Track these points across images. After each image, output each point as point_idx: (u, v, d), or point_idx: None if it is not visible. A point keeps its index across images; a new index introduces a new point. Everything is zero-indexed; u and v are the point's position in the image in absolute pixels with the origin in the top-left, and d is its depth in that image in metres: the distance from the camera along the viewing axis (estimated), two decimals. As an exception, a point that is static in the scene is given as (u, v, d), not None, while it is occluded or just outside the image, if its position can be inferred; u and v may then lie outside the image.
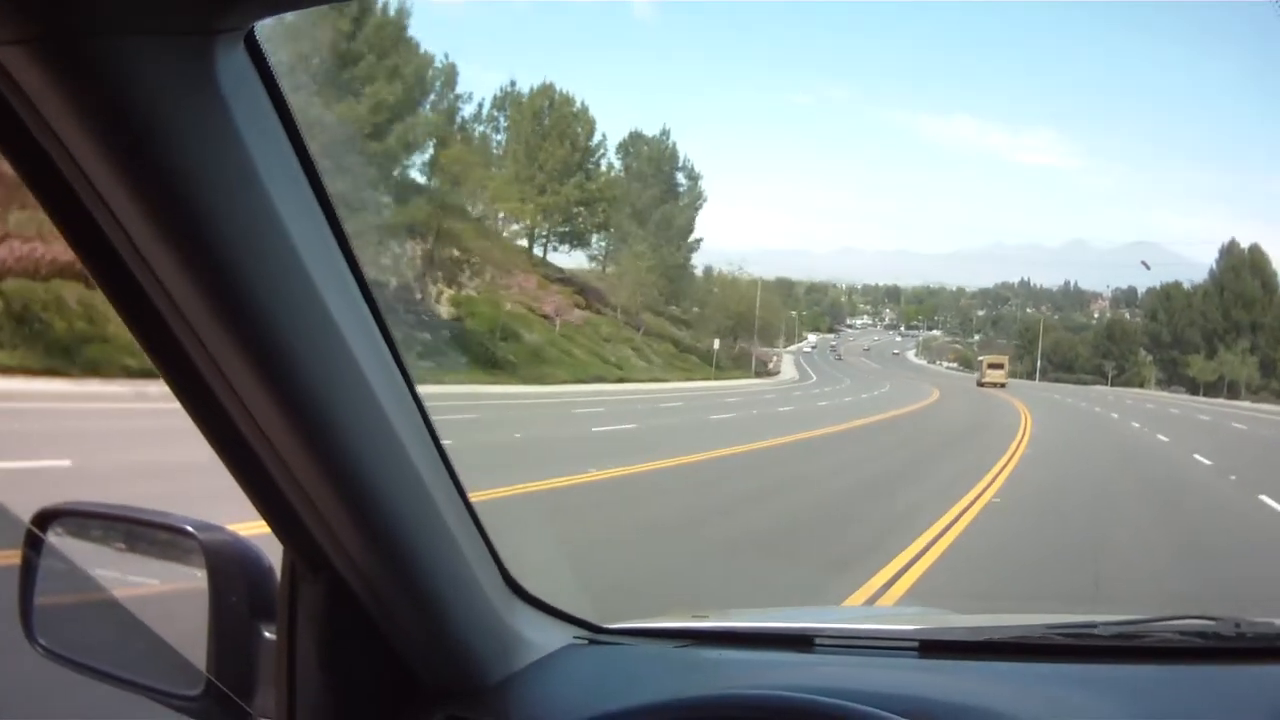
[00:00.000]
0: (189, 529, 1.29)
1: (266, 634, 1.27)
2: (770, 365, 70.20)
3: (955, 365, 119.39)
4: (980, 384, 66.10)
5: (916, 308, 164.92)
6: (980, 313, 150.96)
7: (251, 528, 1.26)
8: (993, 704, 1.26)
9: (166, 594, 1.39)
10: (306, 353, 0.99)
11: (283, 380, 0.99)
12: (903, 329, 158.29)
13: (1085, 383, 77.59)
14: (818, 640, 1.50)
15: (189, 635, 1.30)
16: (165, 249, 0.89)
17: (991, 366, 72.51)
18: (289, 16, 0.89)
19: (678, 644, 1.53)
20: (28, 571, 1.42)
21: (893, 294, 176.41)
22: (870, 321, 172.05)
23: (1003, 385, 64.60)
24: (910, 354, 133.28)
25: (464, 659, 1.29)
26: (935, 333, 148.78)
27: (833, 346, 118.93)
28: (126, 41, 0.79)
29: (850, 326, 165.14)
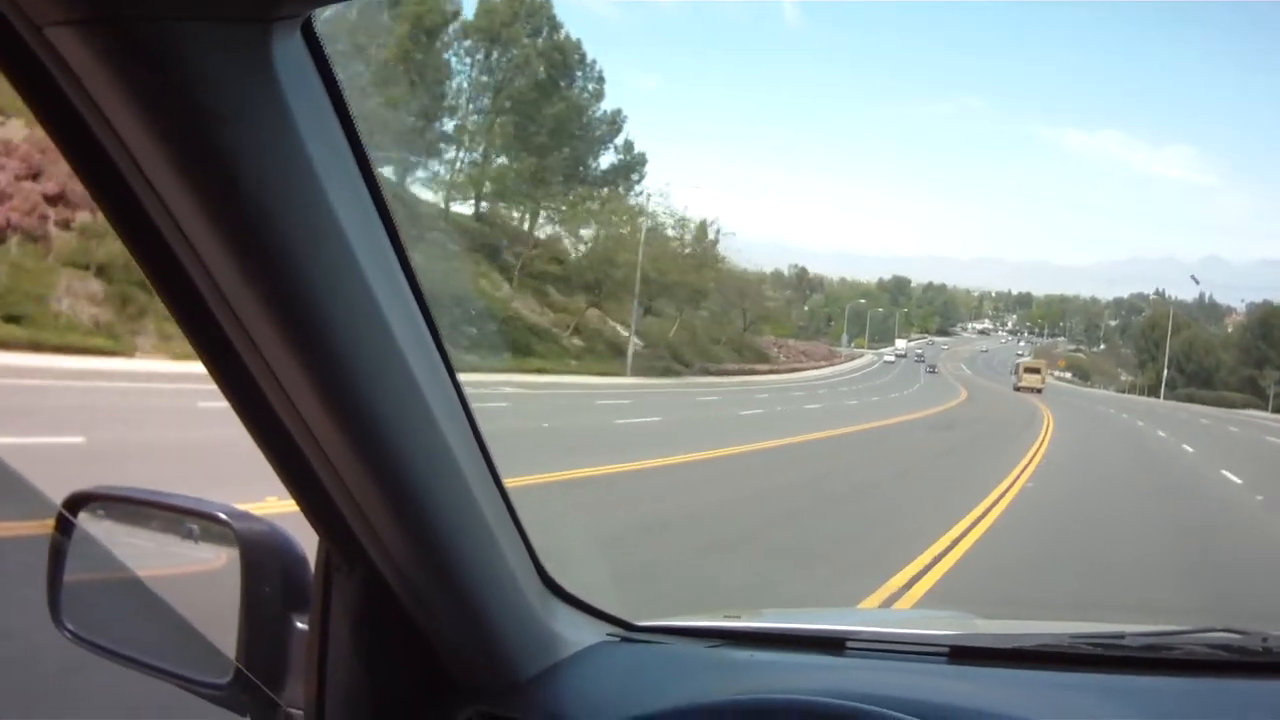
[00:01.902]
0: (223, 516, 1.29)
1: (299, 624, 1.27)
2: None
3: (1069, 375, 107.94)
4: (1017, 388, 65.24)
5: (1043, 312, 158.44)
6: (1112, 323, 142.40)
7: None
8: (1020, 713, 1.26)
9: (197, 581, 1.39)
10: (351, 341, 0.98)
11: (326, 369, 0.98)
12: (1026, 335, 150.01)
13: (1231, 404, 61.68)
14: (849, 643, 1.49)
15: (219, 623, 1.30)
16: (212, 234, 0.89)
17: (1028, 370, 71.45)
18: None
19: (710, 643, 1.53)
20: (57, 555, 1.41)
21: (1025, 300, 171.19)
22: (992, 326, 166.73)
23: (1039, 390, 64.05)
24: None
25: (497, 655, 1.28)
26: (1059, 339, 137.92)
27: (919, 355, 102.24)
28: (181, 26, 0.78)
29: (965, 330, 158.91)
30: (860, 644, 1.49)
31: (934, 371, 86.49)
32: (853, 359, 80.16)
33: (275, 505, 1.35)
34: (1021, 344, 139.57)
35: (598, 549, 7.06)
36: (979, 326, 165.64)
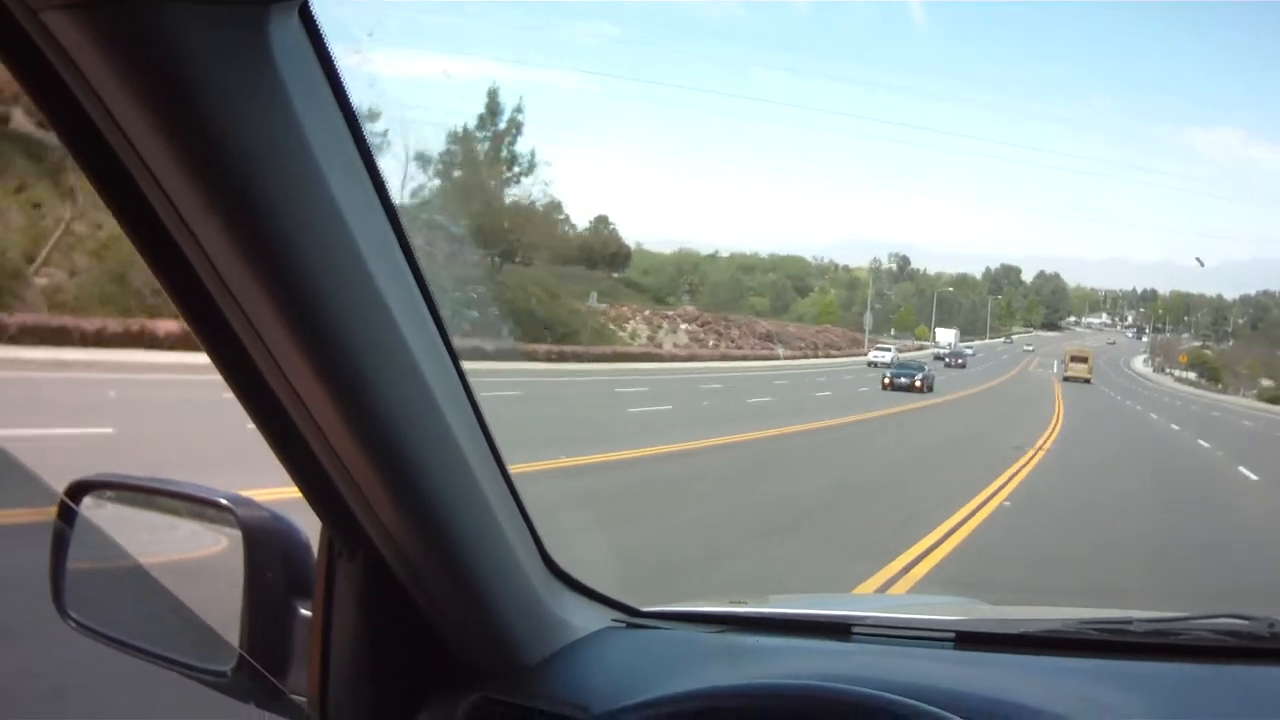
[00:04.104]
0: (225, 503, 1.29)
1: (302, 611, 1.26)
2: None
3: (1193, 376, 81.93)
4: (1065, 378, 61.89)
5: (1167, 306, 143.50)
6: (1240, 320, 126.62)
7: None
8: (1026, 698, 1.25)
9: (200, 568, 1.39)
10: (352, 326, 0.97)
11: (328, 355, 0.98)
12: (1147, 331, 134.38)
13: None
14: (855, 629, 1.49)
15: (222, 610, 1.30)
16: (211, 219, 0.88)
17: (1074, 360, 68.24)
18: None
19: (715, 629, 1.53)
20: (59, 544, 1.41)
21: (1149, 297, 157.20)
22: (1110, 320, 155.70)
23: (1087, 380, 61.00)
24: (1139, 360, 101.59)
25: (501, 640, 1.28)
26: (1183, 335, 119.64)
27: (959, 355, 72.71)
28: (176, 8, 0.78)
29: (1078, 325, 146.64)
30: (866, 629, 1.49)
31: (962, 365, 65.03)
32: (874, 348, 62.99)
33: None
34: (1144, 339, 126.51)
35: (603, 533, 7.06)
36: (1095, 321, 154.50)
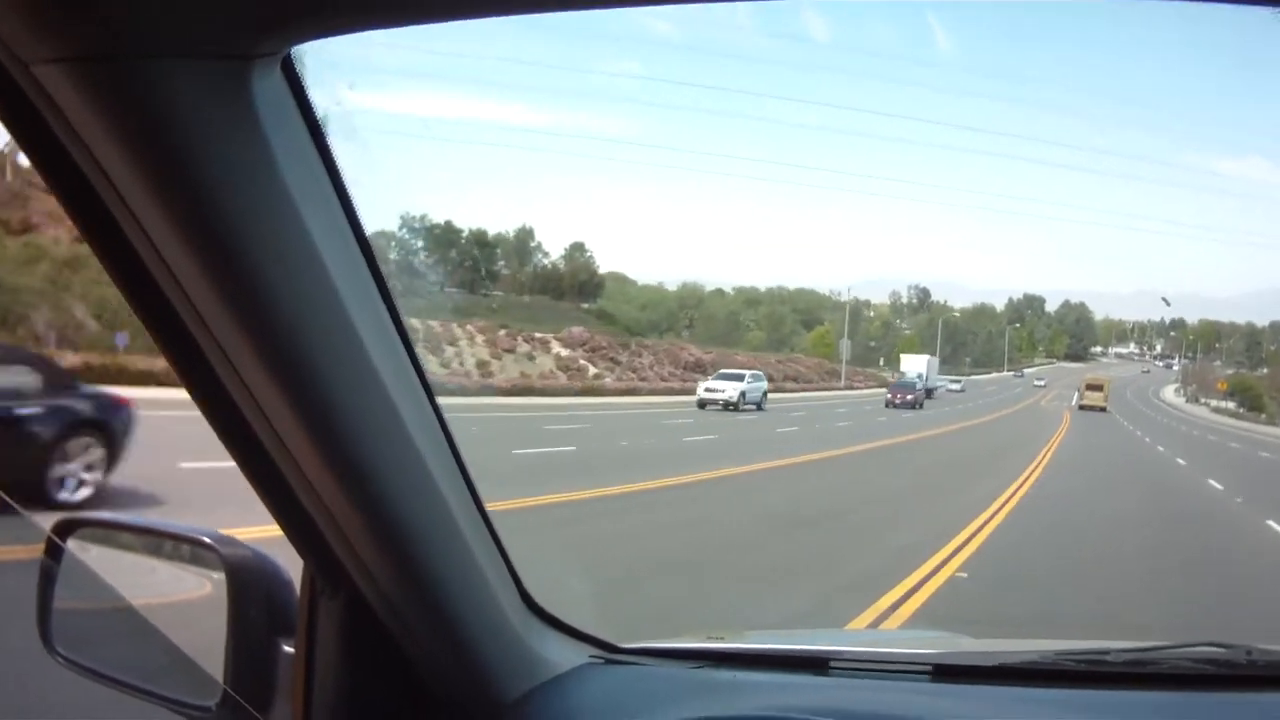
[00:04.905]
0: (209, 541, 1.30)
1: (285, 648, 1.28)
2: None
3: (1232, 405, 68.52)
4: (1081, 406, 59.24)
5: (1197, 334, 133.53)
6: (1272, 347, 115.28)
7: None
8: None
9: (185, 605, 1.40)
10: (331, 370, 1.00)
11: (306, 395, 1.00)
12: (1176, 360, 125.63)
13: None
14: (833, 663, 1.50)
15: (206, 647, 1.31)
16: (195, 266, 0.91)
17: (1090, 388, 64.61)
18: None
19: (693, 665, 1.54)
20: (47, 581, 1.43)
21: (1176, 325, 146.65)
22: (1138, 350, 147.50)
23: (1103, 409, 57.27)
24: (1169, 390, 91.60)
25: (481, 677, 1.29)
26: (1215, 364, 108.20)
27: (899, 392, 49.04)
28: (163, 64, 0.81)
29: (1104, 355, 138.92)
30: (844, 664, 1.50)
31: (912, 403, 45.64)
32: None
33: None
34: (1175, 367, 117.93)
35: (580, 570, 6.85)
36: (1122, 350, 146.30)
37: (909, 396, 46.50)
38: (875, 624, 6.66)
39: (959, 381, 72.43)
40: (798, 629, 5.12)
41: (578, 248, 72.91)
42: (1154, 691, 1.42)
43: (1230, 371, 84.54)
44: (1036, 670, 1.46)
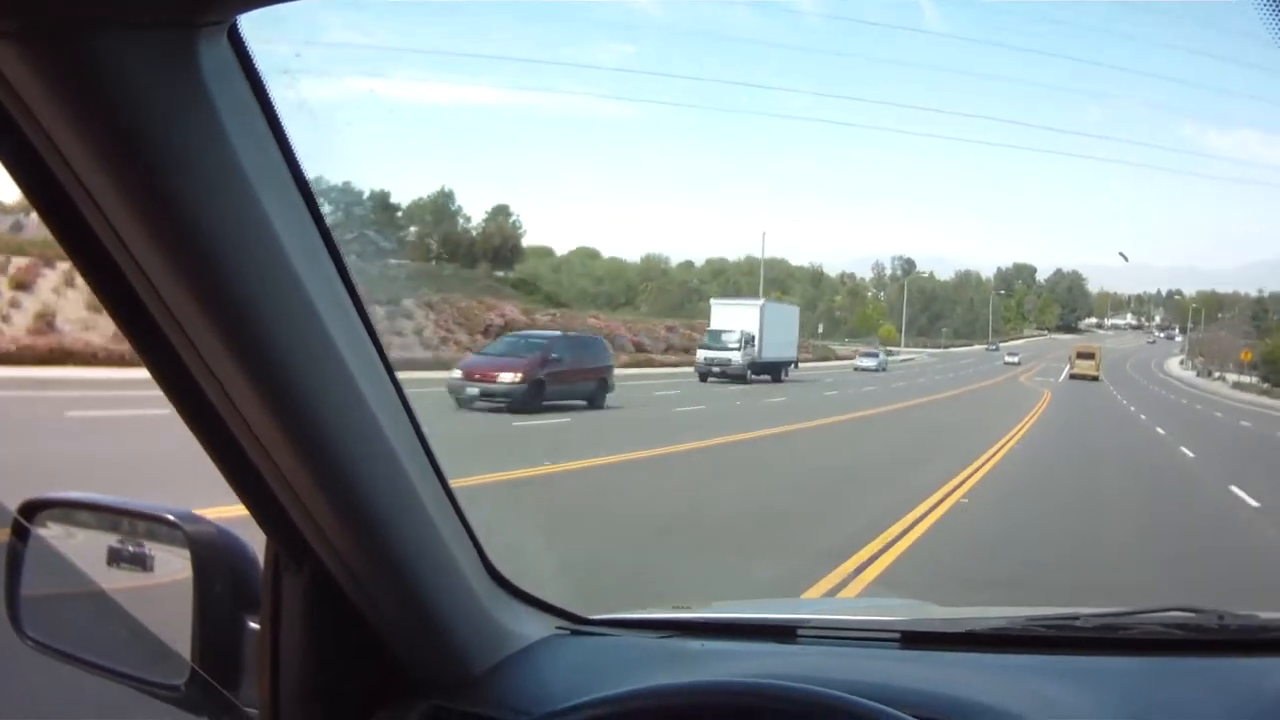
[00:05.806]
0: (173, 519, 1.30)
1: (251, 624, 1.28)
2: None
3: (1255, 379, 54.38)
4: (1072, 375, 55.76)
5: (1197, 304, 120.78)
6: (1277, 317, 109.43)
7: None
8: (974, 695, 1.26)
9: (152, 584, 1.40)
10: (289, 343, 0.99)
11: (265, 371, 0.99)
12: (1176, 332, 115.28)
13: None
14: (800, 631, 1.51)
15: (174, 626, 1.31)
16: (148, 239, 0.90)
17: (1081, 356, 60.90)
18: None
19: (661, 635, 1.54)
20: (14, 563, 1.43)
21: (1174, 296, 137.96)
22: (1135, 321, 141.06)
23: (1095, 378, 53.52)
24: (1174, 362, 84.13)
25: (447, 650, 1.30)
26: (1220, 334, 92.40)
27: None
28: (109, 34, 0.80)
29: (1100, 327, 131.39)
30: (812, 632, 1.50)
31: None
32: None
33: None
34: (1177, 338, 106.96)
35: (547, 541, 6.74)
36: (1119, 322, 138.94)
37: (720, 369, 30.70)
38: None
39: (875, 356, 55.04)
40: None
41: (501, 210, 66.64)
42: (1125, 656, 1.42)
43: (1242, 342, 67.68)
44: (1006, 636, 1.47)
